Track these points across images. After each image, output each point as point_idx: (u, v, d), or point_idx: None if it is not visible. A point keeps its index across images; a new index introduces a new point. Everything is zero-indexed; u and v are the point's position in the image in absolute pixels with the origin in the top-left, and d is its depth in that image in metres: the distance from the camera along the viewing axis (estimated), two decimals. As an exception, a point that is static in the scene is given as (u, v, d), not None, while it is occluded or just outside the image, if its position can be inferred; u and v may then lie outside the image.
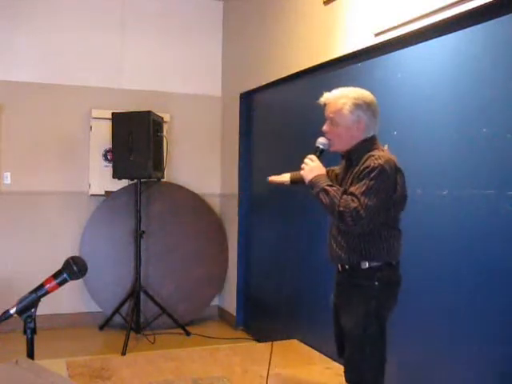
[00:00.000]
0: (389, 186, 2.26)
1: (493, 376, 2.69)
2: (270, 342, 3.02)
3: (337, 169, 2.64)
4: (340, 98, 2.40)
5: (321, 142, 2.46)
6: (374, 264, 2.33)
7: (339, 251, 2.41)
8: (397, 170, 2.30)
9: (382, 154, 2.30)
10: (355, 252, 2.35)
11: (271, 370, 3.69)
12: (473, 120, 2.78)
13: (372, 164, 2.24)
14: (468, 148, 2.79)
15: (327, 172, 2.48)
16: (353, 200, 2.21)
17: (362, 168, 2.28)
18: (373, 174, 2.22)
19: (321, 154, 2.46)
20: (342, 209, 2.21)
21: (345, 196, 2.25)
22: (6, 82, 5.03)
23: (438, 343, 2.95)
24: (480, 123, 2.73)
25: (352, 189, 2.26)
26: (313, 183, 2.34)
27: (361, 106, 2.38)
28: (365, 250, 2.34)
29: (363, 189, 2.21)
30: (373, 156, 2.29)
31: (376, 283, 2.33)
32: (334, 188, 2.30)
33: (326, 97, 2.45)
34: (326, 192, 2.28)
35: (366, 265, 2.33)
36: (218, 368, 3.77)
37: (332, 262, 2.52)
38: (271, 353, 2.91)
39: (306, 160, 2.42)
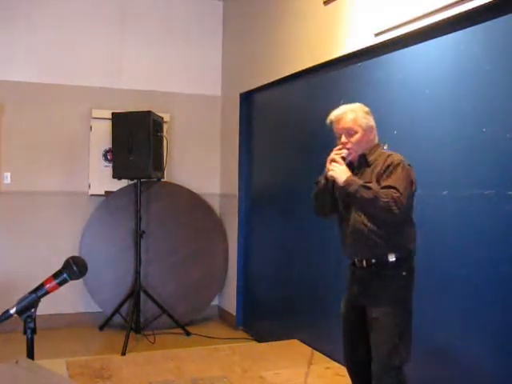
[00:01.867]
0: (411, 177, 2.47)
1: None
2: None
3: None
4: (350, 111, 2.60)
5: (345, 152, 2.57)
6: (401, 255, 2.49)
7: (369, 246, 2.51)
8: (410, 167, 2.51)
9: (397, 154, 2.54)
10: (386, 245, 2.48)
11: (271, 370, 3.70)
12: (473, 120, 2.78)
13: (395, 161, 2.47)
14: (468, 148, 2.79)
15: None
16: (392, 191, 2.38)
17: (385, 165, 2.49)
18: (399, 168, 2.45)
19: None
20: (386, 199, 2.36)
21: (383, 189, 2.40)
22: (6, 82, 5.03)
23: (437, 343, 2.95)
24: (480, 123, 2.73)
25: (386, 183, 2.44)
26: (349, 182, 2.46)
27: (369, 113, 2.63)
28: (394, 243, 2.49)
29: (397, 180, 2.42)
30: (392, 155, 2.53)
31: (404, 273, 2.49)
32: (372, 183, 2.46)
33: (336, 113, 2.62)
34: (367, 187, 2.42)
35: (393, 257, 2.48)
36: (217, 368, 3.76)
37: (353, 259, 2.62)
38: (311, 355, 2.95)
39: (332, 163, 2.53)
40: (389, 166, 2.47)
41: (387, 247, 2.48)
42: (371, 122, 2.61)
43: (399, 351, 2.46)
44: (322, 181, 2.66)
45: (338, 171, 2.50)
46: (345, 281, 2.73)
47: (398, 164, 2.46)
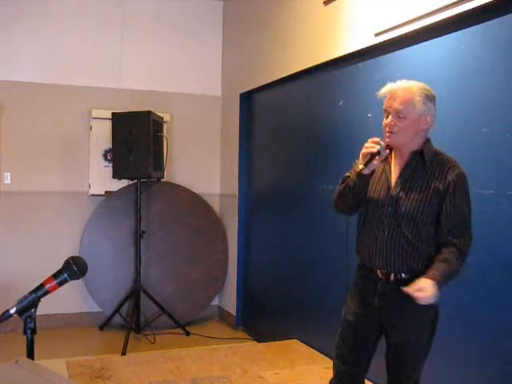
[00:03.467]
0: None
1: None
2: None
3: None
4: (409, 88, 2.20)
5: (382, 145, 2.21)
6: None
7: (403, 260, 2.23)
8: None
9: (455, 161, 2.25)
10: (421, 259, 2.22)
11: (271, 370, 3.70)
12: (473, 120, 2.78)
13: (460, 179, 2.19)
14: (468, 148, 2.79)
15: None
16: (463, 237, 2.18)
17: (448, 182, 2.18)
18: (467, 188, 2.21)
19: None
20: (466, 252, 2.20)
21: (452, 230, 2.17)
22: (6, 82, 5.03)
23: (436, 344, 2.94)
24: (480, 123, 2.73)
25: (453, 219, 2.18)
26: (439, 285, 2.10)
27: (430, 99, 2.23)
28: (429, 257, 2.22)
29: (465, 215, 2.19)
30: (455, 162, 2.23)
31: None
32: (446, 263, 2.15)
33: (391, 87, 2.23)
34: (448, 272, 2.15)
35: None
36: (217, 368, 3.77)
37: (375, 269, 2.29)
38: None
39: (420, 293, 2.07)
40: (455, 185, 2.17)
41: (421, 262, 2.21)
42: (430, 109, 2.21)
43: (421, 371, 2.30)
44: (354, 177, 2.28)
45: (427, 293, 2.05)
46: (354, 285, 2.44)
47: (464, 185, 2.18)
